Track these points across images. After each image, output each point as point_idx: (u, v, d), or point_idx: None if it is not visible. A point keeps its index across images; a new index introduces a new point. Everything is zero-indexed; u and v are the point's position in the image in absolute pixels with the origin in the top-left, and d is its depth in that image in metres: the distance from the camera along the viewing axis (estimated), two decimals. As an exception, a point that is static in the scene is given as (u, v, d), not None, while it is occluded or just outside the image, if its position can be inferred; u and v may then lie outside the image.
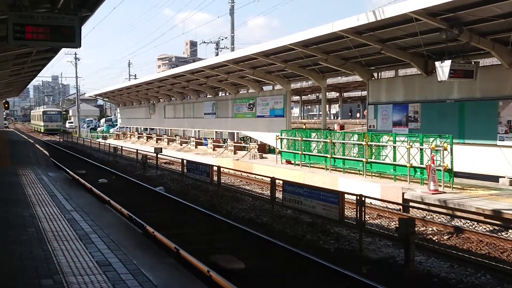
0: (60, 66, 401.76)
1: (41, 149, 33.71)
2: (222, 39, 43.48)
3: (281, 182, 12.67)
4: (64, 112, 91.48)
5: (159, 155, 24.93)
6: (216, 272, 7.57)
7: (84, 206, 11.75)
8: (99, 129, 78.86)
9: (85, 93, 77.75)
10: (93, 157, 32.48)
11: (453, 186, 14.53)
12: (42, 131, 75.21)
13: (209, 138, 37.28)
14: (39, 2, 10.95)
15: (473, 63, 14.90)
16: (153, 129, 50.66)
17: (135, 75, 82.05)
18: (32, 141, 41.80)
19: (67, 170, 22.40)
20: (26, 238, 8.33)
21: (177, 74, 32.65)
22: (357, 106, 69.07)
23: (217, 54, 42.45)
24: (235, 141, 32.52)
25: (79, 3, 10.71)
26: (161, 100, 46.00)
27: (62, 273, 6.41)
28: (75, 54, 77.21)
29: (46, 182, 16.32)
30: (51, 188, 14.87)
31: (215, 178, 16.30)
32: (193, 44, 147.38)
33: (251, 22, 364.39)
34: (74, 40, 8.89)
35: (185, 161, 19.39)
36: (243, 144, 30.83)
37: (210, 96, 35.66)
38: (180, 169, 19.92)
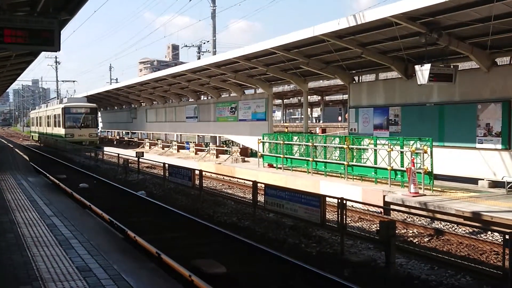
0: (40, 70, 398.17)
1: (21, 153, 33.34)
2: (204, 43, 43.57)
3: (263, 185, 12.68)
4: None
5: (140, 159, 24.78)
6: (197, 276, 7.54)
7: (65, 211, 11.65)
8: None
9: (66, 97, 76.86)
10: (74, 161, 32.17)
11: (433, 188, 14.67)
12: (61, 141, 41.84)
13: (191, 142, 37.17)
14: (18, 5, 10.86)
15: (452, 66, 15.07)
16: (134, 133, 50.38)
17: (116, 79, 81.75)
18: (12, 146, 41.34)
19: (47, 175, 22.17)
20: (5, 245, 8.23)
21: (159, 78, 32.55)
22: (338, 109, 69.43)
23: (199, 58, 42.47)
24: (217, 145, 32.47)
25: (58, 7, 10.64)
26: (142, 104, 45.78)
27: (41, 279, 6.34)
28: (56, 57, 76.74)
29: (26, 187, 16.14)
30: (30, 193, 14.71)
31: (197, 182, 16.25)
32: (175, 48, 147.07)
33: (233, 26, 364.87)
34: (53, 44, 8.84)
35: (167, 165, 19.30)
36: (225, 148, 30.80)
37: (192, 100, 35.60)
38: (162, 174, 19.82)
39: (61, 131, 43.72)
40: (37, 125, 61.51)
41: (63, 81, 56.91)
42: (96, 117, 44.92)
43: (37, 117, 61.97)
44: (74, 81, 62.68)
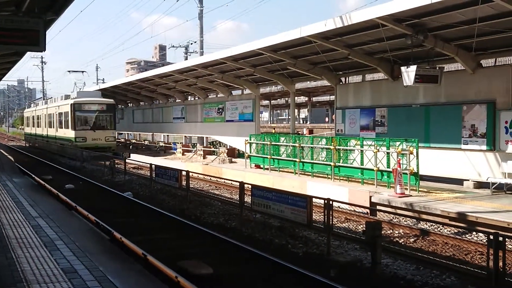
0: (26, 70, 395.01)
1: (6, 154, 33.06)
2: (191, 43, 43.41)
3: (249, 186, 12.68)
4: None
5: (127, 160, 24.65)
6: (184, 277, 7.53)
7: (50, 212, 11.57)
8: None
9: (52, 97, 75.85)
10: (60, 162, 31.93)
11: (419, 189, 14.77)
12: (69, 147, 34.55)
13: (178, 143, 37.07)
14: (3, 5, 10.74)
15: (437, 68, 15.20)
16: (121, 133, 50.14)
17: (103, 79, 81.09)
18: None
19: (33, 175, 21.99)
20: (-11, 246, 8.14)
21: (146, 78, 32.45)
22: (325, 110, 69.63)
23: (186, 59, 42.34)
24: (205, 145, 32.43)
25: (44, 7, 10.54)
26: (129, 104, 45.59)
27: (26, 281, 6.29)
28: (42, 57, 75.94)
29: (11, 188, 16.00)
30: (15, 194, 14.58)
31: (184, 183, 16.21)
32: (162, 48, 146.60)
33: (221, 26, 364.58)
34: (38, 44, 8.79)
35: (153, 166, 19.23)
36: (213, 149, 30.76)
37: (179, 100, 35.52)
38: (149, 174, 19.75)
39: (69, 133, 34.78)
40: (33, 126, 50.40)
41: (69, 71, 43.39)
42: (114, 116, 35.94)
43: (33, 117, 50.88)
44: (83, 72, 51.00)
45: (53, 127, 39.84)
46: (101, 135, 34.13)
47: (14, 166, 25.30)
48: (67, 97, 37.73)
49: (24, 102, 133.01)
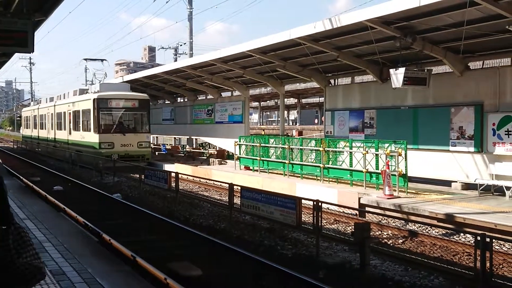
0: (14, 71, 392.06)
1: (-6, 156, 32.78)
2: (181, 45, 43.40)
3: (239, 188, 12.69)
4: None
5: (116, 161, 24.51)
6: (173, 279, 7.52)
7: (38, 214, 11.51)
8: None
9: (40, 99, 75.27)
10: (49, 164, 31.71)
11: (408, 190, 14.83)
12: (94, 155, 25.93)
13: (167, 144, 36.98)
14: (-9, 6, 10.70)
15: (426, 70, 15.28)
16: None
17: (92, 81, 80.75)
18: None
19: (21, 177, 21.84)
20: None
21: (134, 80, 32.33)
22: (315, 112, 69.82)
23: (175, 60, 42.28)
24: (194, 147, 32.39)
25: (32, 7, 10.52)
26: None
27: (14, 283, 6.24)
28: (30, 58, 75.53)
29: (-2, 190, 15.85)
30: (3, 196, 14.45)
31: (173, 184, 16.18)
32: (151, 50, 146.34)
33: (210, 28, 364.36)
34: (27, 45, 8.74)
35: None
36: (202, 150, 30.72)
37: (169, 102, 35.45)
38: (138, 176, 19.68)
39: (91, 137, 27.09)
40: (35, 128, 42.87)
41: (85, 59, 34.55)
42: (149, 114, 28.15)
43: (35, 117, 42.89)
44: (103, 60, 36.46)
45: (64, 129, 32.72)
46: (133, 140, 26.78)
47: (1, 167, 25.09)
48: (82, 91, 30.82)
49: (12, 104, 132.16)
